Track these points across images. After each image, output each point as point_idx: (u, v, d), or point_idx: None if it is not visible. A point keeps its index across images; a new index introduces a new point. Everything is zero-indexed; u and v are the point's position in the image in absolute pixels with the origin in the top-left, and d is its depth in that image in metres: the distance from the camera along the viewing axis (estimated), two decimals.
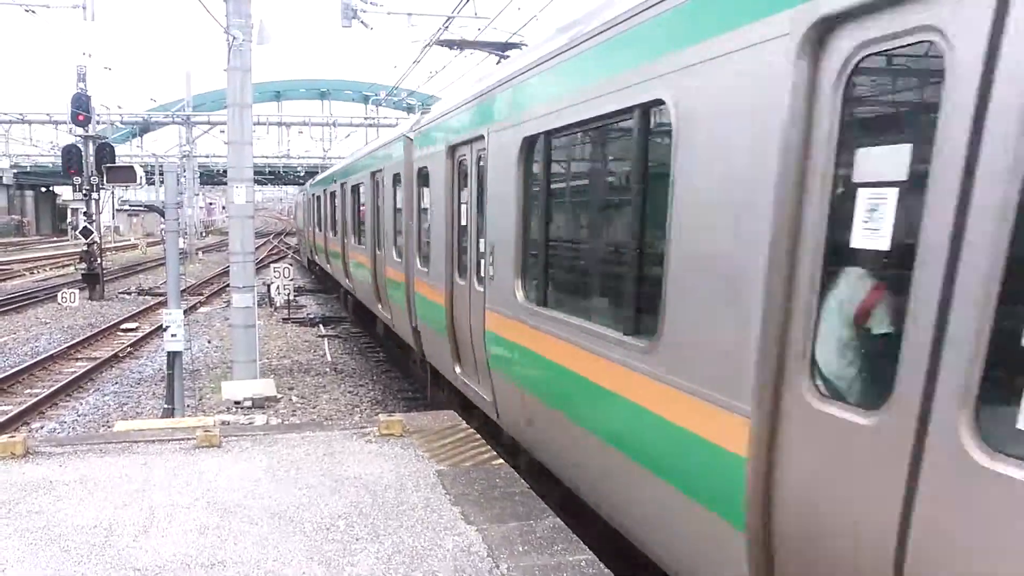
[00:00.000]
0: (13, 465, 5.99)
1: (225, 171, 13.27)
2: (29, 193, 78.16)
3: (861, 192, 2.96)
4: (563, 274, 6.04)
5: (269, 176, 69.96)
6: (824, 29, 3.02)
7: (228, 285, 14.34)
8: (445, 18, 18.06)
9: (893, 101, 3.16)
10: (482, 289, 7.31)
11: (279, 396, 12.70)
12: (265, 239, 65.83)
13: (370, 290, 14.53)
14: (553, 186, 5.95)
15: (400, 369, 14.96)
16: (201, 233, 67.51)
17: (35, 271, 37.12)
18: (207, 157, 63.20)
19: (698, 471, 3.84)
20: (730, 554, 3.62)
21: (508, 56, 10.92)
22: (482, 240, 7.29)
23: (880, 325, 3.00)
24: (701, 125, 3.75)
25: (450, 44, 13.08)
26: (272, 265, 27.57)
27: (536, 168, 6.06)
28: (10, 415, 11.57)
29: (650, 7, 4.18)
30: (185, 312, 13.06)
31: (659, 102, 4.13)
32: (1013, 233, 2.39)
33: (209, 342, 18.19)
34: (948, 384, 2.57)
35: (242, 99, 12.35)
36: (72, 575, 4.24)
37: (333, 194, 20.58)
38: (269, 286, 23.13)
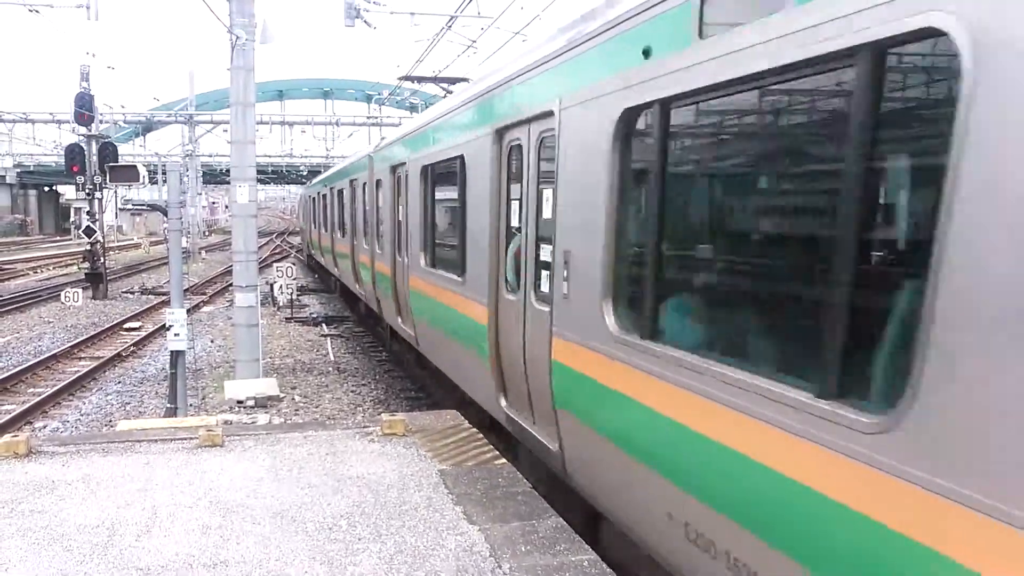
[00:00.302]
0: (16, 464, 6.00)
1: (228, 170, 13.30)
2: (32, 192, 78.31)
3: (513, 204, 6.67)
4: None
5: (272, 175, 70.08)
6: (499, 132, 6.79)
7: (231, 284, 14.36)
8: (448, 17, 18.07)
9: (520, 166, 6.34)
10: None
11: (282, 395, 12.71)
12: (268, 238, 65.87)
13: (350, 271, 16.73)
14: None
15: (402, 368, 14.96)
16: (204, 232, 67.58)
17: (38, 270, 37.18)
18: (210, 156, 63.35)
19: None
20: None
21: (451, 92, 12.61)
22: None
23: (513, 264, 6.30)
24: (472, 167, 7.62)
25: (411, 79, 16.05)
26: (275, 264, 27.58)
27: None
28: (13, 414, 11.58)
29: (453, 111, 8.21)
30: (188, 311, 13.06)
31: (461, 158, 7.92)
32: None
33: (212, 341, 18.20)
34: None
35: (245, 98, 12.36)
36: (75, 575, 4.24)
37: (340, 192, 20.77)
38: (272, 285, 23.15)
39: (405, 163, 11.04)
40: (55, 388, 13.25)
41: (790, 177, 3.70)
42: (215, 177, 67.37)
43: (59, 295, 24.31)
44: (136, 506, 5.17)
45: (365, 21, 17.07)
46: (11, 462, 6.04)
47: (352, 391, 13.62)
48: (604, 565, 4.32)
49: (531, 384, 6.21)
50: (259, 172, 13.91)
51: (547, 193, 5.82)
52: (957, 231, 2.43)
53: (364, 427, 7.07)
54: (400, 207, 11.66)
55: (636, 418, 4.45)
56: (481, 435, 6.80)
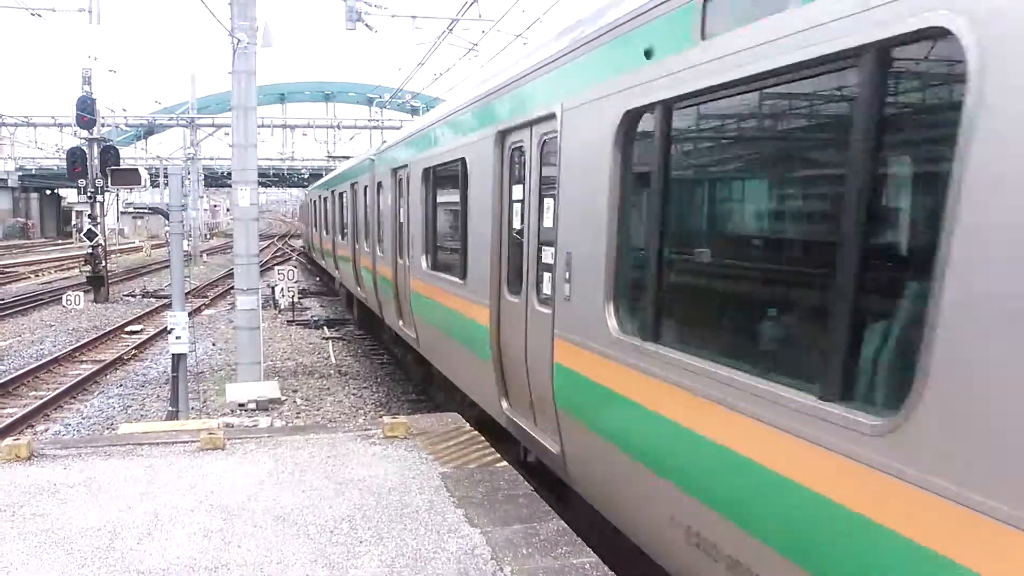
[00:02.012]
0: (18, 468, 6.00)
1: (229, 173, 13.31)
2: (34, 196, 78.39)
3: (516, 206, 6.71)
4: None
5: (273, 178, 70.10)
6: (501, 134, 6.83)
7: (232, 287, 14.36)
8: (449, 20, 18.09)
9: (522, 169, 6.44)
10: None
11: (283, 398, 12.71)
12: (269, 241, 65.91)
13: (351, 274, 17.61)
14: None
15: (404, 371, 14.96)
16: (205, 235, 67.61)
17: (40, 274, 37.21)
18: (211, 159, 63.34)
19: None
20: None
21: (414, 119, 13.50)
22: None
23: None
24: (474, 170, 7.68)
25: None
26: (276, 267, 27.60)
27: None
28: (15, 418, 11.60)
29: (455, 113, 8.50)
30: (189, 314, 13.07)
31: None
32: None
33: (213, 344, 18.20)
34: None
35: (246, 101, 12.38)
36: None
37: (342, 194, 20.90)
38: (273, 288, 23.16)
39: (407, 166, 11.02)
40: (57, 391, 13.26)
41: (793, 180, 3.67)
42: (216, 180, 67.40)
43: (61, 298, 24.33)
44: (138, 509, 5.17)
45: (366, 24, 17.08)
46: (13, 465, 6.04)
47: (353, 394, 13.62)
48: (606, 568, 4.32)
49: (533, 386, 6.24)
50: (260, 175, 13.93)
51: (548, 197, 5.87)
52: (963, 233, 2.43)
53: (366, 430, 7.07)
54: (401, 210, 11.70)
55: (637, 420, 4.43)
56: (483, 438, 6.80)
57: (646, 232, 4.44)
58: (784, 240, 3.71)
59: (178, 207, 10.11)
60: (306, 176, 65.17)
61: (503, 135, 6.84)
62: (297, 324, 21.36)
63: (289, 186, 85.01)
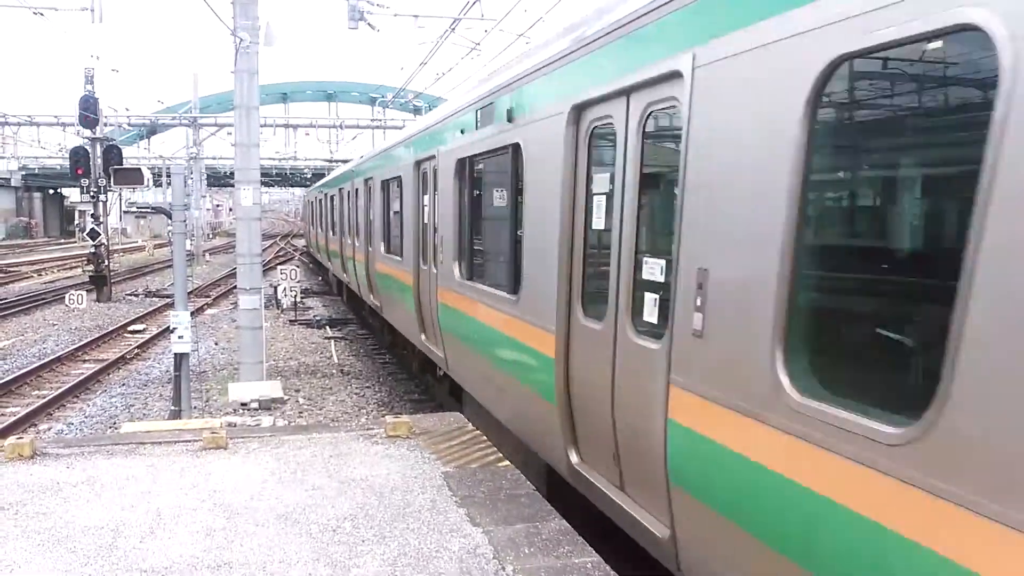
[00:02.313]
0: (21, 466, 6.01)
1: (232, 173, 13.31)
2: (37, 195, 78.48)
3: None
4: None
5: (276, 178, 70.19)
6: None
7: (235, 287, 14.38)
8: (452, 20, 18.10)
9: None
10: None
11: (286, 398, 12.72)
12: (272, 241, 65.96)
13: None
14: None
15: (406, 371, 14.97)
16: (208, 235, 67.70)
17: (43, 273, 37.27)
18: (214, 159, 63.41)
19: None
20: None
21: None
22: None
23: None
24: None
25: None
26: (279, 267, 27.62)
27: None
28: (18, 416, 11.61)
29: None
30: (192, 314, 13.08)
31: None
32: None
33: (216, 344, 18.22)
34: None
35: (249, 101, 12.38)
36: None
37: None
38: (276, 288, 23.17)
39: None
40: (59, 390, 13.28)
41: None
42: (219, 180, 67.47)
43: (63, 298, 24.37)
44: (140, 508, 5.18)
45: (368, 24, 17.09)
46: (16, 464, 6.05)
47: (356, 393, 13.63)
48: (608, 567, 4.32)
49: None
50: (263, 175, 13.95)
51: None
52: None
53: (368, 429, 7.08)
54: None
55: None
56: (485, 437, 6.80)
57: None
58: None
59: (181, 206, 10.12)
60: (308, 176, 65.24)
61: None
62: (299, 324, 21.37)
63: (292, 186, 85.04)
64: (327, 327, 20.97)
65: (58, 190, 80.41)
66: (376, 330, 18.09)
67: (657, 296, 4.42)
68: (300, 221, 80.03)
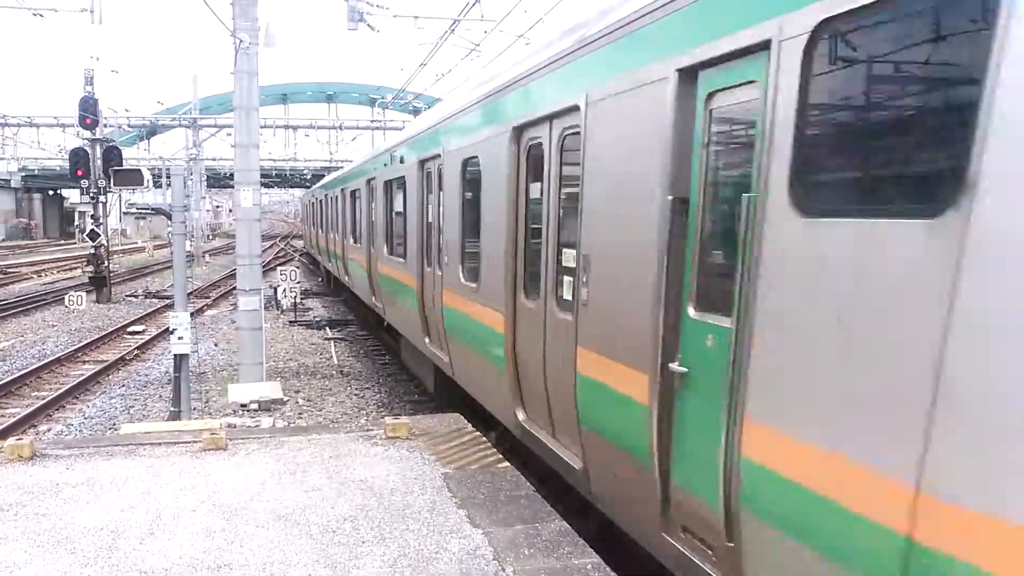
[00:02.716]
0: (20, 467, 6.01)
1: (232, 174, 13.30)
2: (37, 196, 78.47)
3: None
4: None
5: (276, 179, 70.18)
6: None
7: (235, 288, 14.37)
8: (451, 21, 18.10)
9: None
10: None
11: (285, 399, 12.71)
12: (272, 242, 65.96)
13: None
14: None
15: (405, 372, 14.97)
16: (208, 236, 67.70)
17: (42, 274, 37.25)
18: (214, 160, 63.40)
19: None
20: None
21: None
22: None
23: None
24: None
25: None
26: (279, 268, 27.62)
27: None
28: (17, 418, 11.61)
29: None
30: (192, 315, 13.07)
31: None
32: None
33: (216, 345, 18.22)
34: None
35: (248, 102, 12.38)
36: None
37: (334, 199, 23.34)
38: (276, 289, 23.16)
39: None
40: (59, 392, 13.28)
41: None
42: (219, 181, 67.47)
43: (63, 299, 24.36)
44: (140, 509, 5.18)
45: (368, 25, 17.07)
46: (16, 465, 6.05)
47: (356, 394, 13.63)
48: (608, 569, 4.32)
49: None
50: (263, 176, 13.95)
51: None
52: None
53: (368, 430, 7.07)
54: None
55: None
56: (484, 439, 6.80)
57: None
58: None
59: (181, 208, 10.12)
60: (308, 176, 65.25)
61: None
62: (299, 325, 21.38)
63: (291, 187, 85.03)
64: (327, 328, 20.98)
65: (58, 191, 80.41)
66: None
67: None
68: (300, 222, 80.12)
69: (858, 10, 2.95)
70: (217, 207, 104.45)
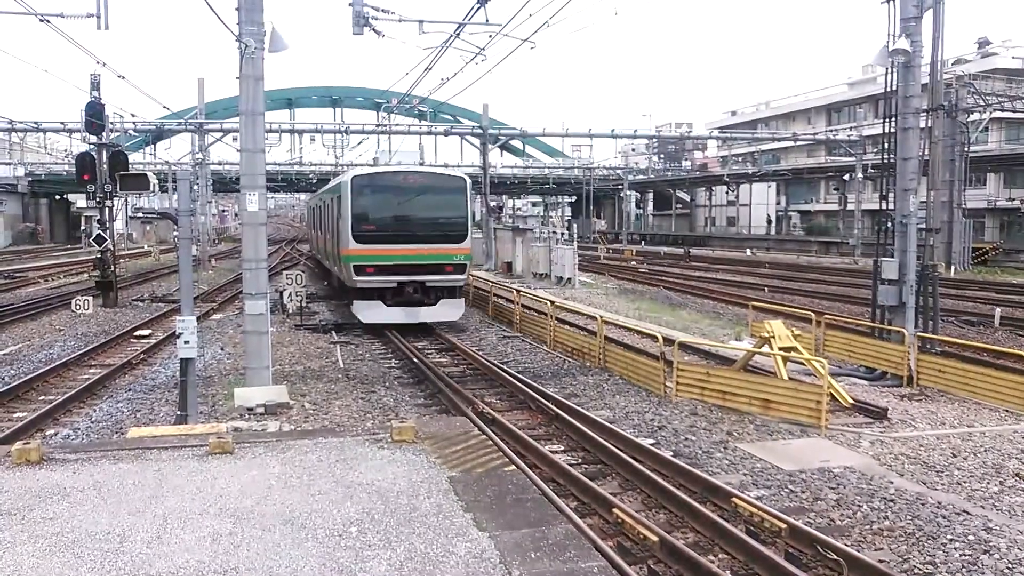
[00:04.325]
0: (28, 471, 6.02)
1: (238, 178, 13.34)
2: (43, 201, 78.73)
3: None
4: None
5: (282, 183, 70.36)
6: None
7: (241, 292, 14.40)
8: (456, 25, 18.14)
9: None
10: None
11: (292, 403, 12.72)
12: (278, 246, 66.08)
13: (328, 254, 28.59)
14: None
15: (412, 375, 14.96)
16: (214, 240, 67.84)
17: (49, 278, 37.36)
18: (220, 164, 63.64)
19: None
20: None
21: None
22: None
23: None
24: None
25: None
26: (285, 272, 27.70)
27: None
28: (25, 421, 11.63)
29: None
30: (198, 319, 13.11)
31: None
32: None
33: (222, 349, 18.25)
34: None
35: (254, 107, 12.41)
36: None
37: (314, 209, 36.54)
38: (281, 293, 23.21)
39: (323, 197, 27.08)
40: (66, 395, 13.30)
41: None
42: (225, 185, 67.61)
43: (70, 303, 24.43)
44: (147, 513, 5.19)
45: (374, 29, 17.10)
46: (23, 469, 6.07)
47: (362, 398, 13.63)
48: (615, 572, 4.31)
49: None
50: (269, 180, 14.04)
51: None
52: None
53: (374, 434, 7.08)
54: (324, 218, 27.00)
55: None
56: (491, 442, 6.80)
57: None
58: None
59: (187, 212, 10.15)
60: (314, 181, 65.42)
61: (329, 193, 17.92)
62: (305, 328, 21.41)
63: (298, 191, 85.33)
64: (333, 332, 21.01)
65: (64, 196, 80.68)
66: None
67: (321, 236, 24.02)
68: (305, 226, 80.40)
69: None
70: (223, 211, 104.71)
